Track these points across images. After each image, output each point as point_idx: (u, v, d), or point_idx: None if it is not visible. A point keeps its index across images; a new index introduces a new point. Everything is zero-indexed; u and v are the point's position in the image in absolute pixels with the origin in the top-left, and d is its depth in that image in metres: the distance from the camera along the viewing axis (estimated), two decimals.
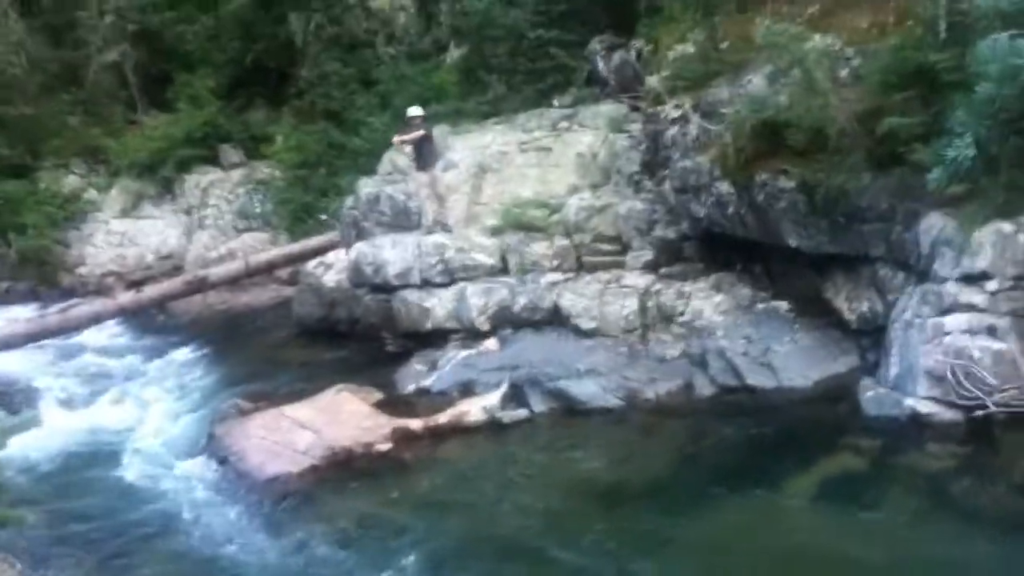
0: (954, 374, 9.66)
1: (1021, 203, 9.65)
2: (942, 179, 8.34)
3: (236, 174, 26.23)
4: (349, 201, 19.21)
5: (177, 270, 24.38)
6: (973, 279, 9.93)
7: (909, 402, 10.16)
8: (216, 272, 21.26)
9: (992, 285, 9.80)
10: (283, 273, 22.37)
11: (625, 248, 15.60)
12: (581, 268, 15.56)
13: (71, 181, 27.21)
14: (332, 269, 18.42)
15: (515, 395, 13.27)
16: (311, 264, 19.46)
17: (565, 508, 10.24)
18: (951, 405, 9.83)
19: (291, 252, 21.86)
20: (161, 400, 15.95)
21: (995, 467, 9.26)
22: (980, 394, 9.46)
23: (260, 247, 23.82)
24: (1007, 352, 9.34)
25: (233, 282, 21.72)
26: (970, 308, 9.83)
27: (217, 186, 26.01)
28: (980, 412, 9.55)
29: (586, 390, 12.95)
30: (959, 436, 9.81)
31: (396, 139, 17.54)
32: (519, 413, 12.99)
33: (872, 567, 7.96)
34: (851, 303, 12.61)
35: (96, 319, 19.68)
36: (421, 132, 17.00)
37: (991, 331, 9.55)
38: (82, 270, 25.61)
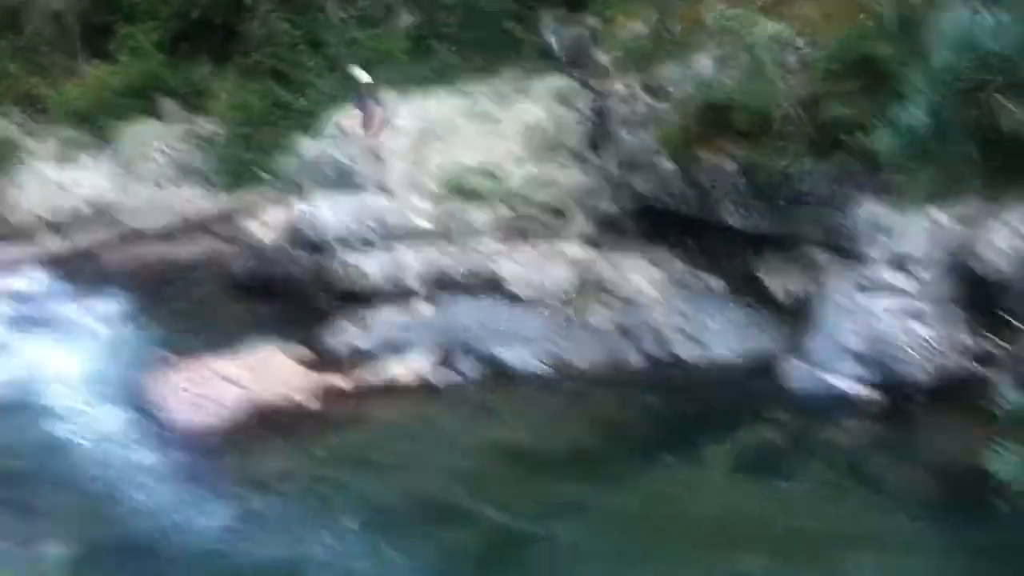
0: (877, 355, 9.80)
1: (969, 178, 9.75)
2: (893, 146, 8.33)
3: (177, 128, 25.70)
4: (291, 161, 19.00)
5: (112, 221, 23.93)
6: (903, 264, 10.09)
7: (832, 380, 10.37)
8: (151, 224, 20.92)
9: (921, 271, 9.96)
10: (219, 229, 22.06)
11: (566, 220, 15.56)
12: (521, 237, 15.49)
13: (7, 128, 26.54)
14: (270, 227, 18.19)
15: (447, 359, 13.29)
16: (248, 221, 19.22)
17: (493, 472, 10.29)
18: (872, 385, 10.02)
19: (229, 208, 21.58)
20: (87, 350, 15.65)
21: (910, 445, 9.50)
22: (901, 375, 9.62)
23: (197, 202, 23.45)
24: (930, 336, 9.49)
25: (168, 235, 21.40)
26: (898, 292, 10.00)
27: (157, 139, 25.50)
28: (899, 393, 9.73)
29: (518, 357, 13.01)
30: (878, 414, 10.04)
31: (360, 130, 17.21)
32: (450, 376, 13.01)
33: (788, 535, 8.09)
34: (782, 282, 12.78)
35: (26, 266, 19.25)
36: (379, 114, 16.69)
37: (916, 315, 9.72)
38: (14, 218, 24.99)
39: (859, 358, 10.05)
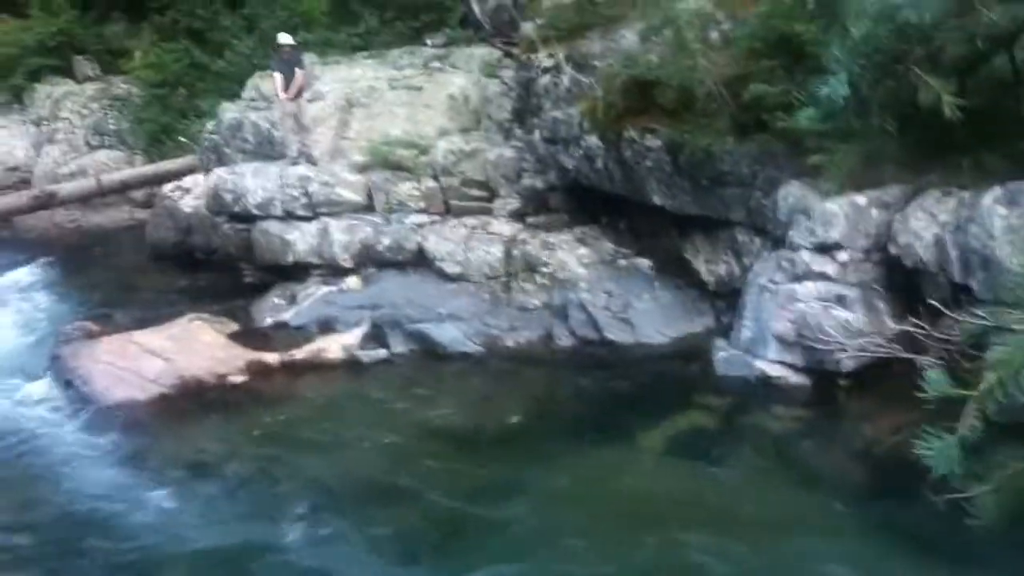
0: (802, 340, 10.06)
1: (888, 156, 9.97)
2: (814, 117, 8.46)
3: (91, 88, 25.17)
4: (210, 125, 18.72)
5: (24, 183, 23.35)
6: (826, 249, 10.29)
7: (759, 364, 10.51)
8: (66, 189, 20.48)
9: (843, 256, 10.16)
10: (138, 195, 21.72)
11: (493, 195, 15.61)
12: (448, 211, 15.52)
13: None
14: (190, 194, 17.97)
15: (375, 335, 13.27)
16: (168, 187, 18.92)
17: (421, 451, 10.30)
18: (799, 370, 10.24)
19: (146, 173, 21.26)
20: (2, 320, 15.33)
21: (836, 431, 9.68)
22: (826, 361, 9.89)
23: (114, 166, 23.04)
24: (854, 320, 9.72)
25: (84, 200, 20.99)
26: (821, 277, 10.19)
27: (70, 99, 24.91)
28: (825, 378, 10.01)
29: (446, 334, 13.03)
30: (805, 400, 10.23)
31: (282, 95, 16.81)
32: (379, 353, 13.00)
33: (718, 517, 8.32)
34: (709, 265, 12.98)
35: None
36: (301, 78, 16.44)
37: (840, 300, 9.93)
38: None
39: (785, 343, 10.23)
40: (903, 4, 7.41)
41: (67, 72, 25.64)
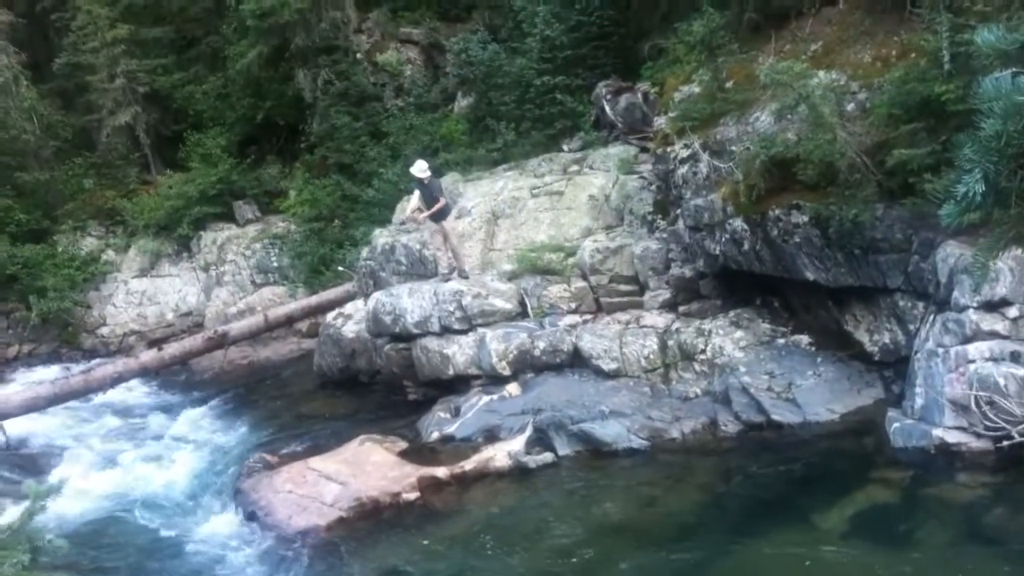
0: (978, 403, 9.63)
1: None
2: (953, 215, 8.31)
3: (251, 229, 26.45)
4: (364, 251, 19.36)
5: (197, 327, 24.56)
6: (993, 306, 9.95)
7: (936, 432, 10.12)
8: (236, 327, 21.40)
9: (1013, 312, 9.82)
10: (302, 326, 22.57)
11: (642, 288, 15.66)
12: (599, 309, 15.63)
13: (89, 243, 27.49)
14: (351, 320, 18.54)
15: (540, 439, 13.33)
16: (330, 316, 19.62)
17: (596, 551, 10.25)
18: (978, 434, 9.78)
19: (309, 304, 22.04)
20: (187, 457, 16.03)
21: None
22: (1005, 424, 9.43)
23: (278, 301, 24.02)
24: None
25: (253, 336, 21.86)
26: (992, 335, 9.84)
27: (233, 242, 26.21)
28: (1006, 442, 9.53)
29: (610, 431, 12.98)
30: (989, 465, 9.75)
31: (414, 215, 17.09)
32: (544, 457, 13.02)
33: None
34: (872, 334, 12.65)
35: (119, 379, 19.76)
36: (441, 202, 16.58)
37: (1015, 357, 9.55)
38: (103, 330, 25.83)
39: (960, 407, 9.84)
40: None
41: (229, 217, 26.98)
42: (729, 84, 14.62)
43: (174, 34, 30.25)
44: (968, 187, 7.22)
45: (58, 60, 28.71)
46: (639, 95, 19.63)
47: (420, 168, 16.71)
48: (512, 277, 16.51)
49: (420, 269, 17.96)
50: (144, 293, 26.30)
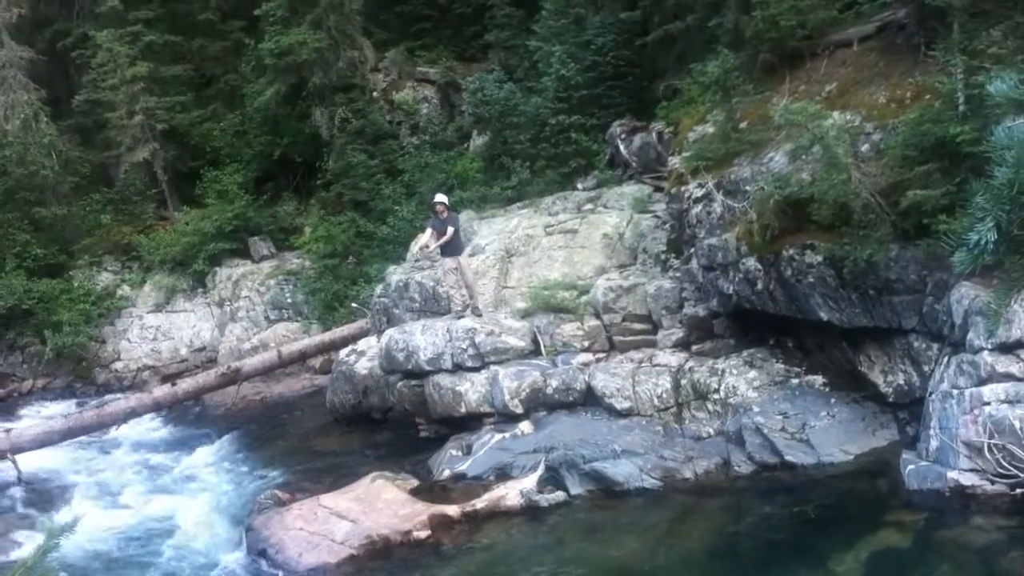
0: (995, 445, 9.56)
1: None
2: (966, 262, 8.37)
3: (266, 266, 26.59)
4: (379, 288, 19.44)
5: (211, 362, 24.65)
6: (1008, 348, 9.89)
7: (952, 475, 10.02)
8: (250, 363, 21.46)
9: None
10: (316, 362, 22.63)
11: (655, 327, 15.65)
12: (612, 348, 15.62)
13: (104, 278, 27.68)
14: (364, 356, 18.56)
15: (551, 477, 13.24)
16: (343, 352, 19.66)
17: None
18: (994, 477, 9.68)
19: (323, 341, 22.10)
20: (199, 493, 16.03)
21: None
22: (1018, 471, 9.34)
23: (292, 337, 24.08)
24: None
25: (267, 372, 21.91)
26: (1007, 377, 9.76)
27: (248, 278, 26.35)
28: (1019, 490, 9.43)
29: (623, 471, 12.89)
30: (1005, 509, 9.62)
31: (426, 244, 17.10)
32: (556, 496, 12.93)
33: None
34: (886, 376, 12.58)
35: (132, 414, 19.83)
36: (449, 233, 16.61)
37: None
38: (117, 365, 25.94)
39: (975, 449, 9.75)
40: None
41: (244, 253, 27.15)
42: (743, 124, 14.69)
43: (193, 72, 30.69)
44: (980, 235, 7.29)
45: (78, 97, 29.12)
46: (653, 134, 19.73)
47: (441, 199, 16.82)
48: (525, 315, 16.53)
49: (434, 306, 18.00)
50: (158, 328, 26.42)
